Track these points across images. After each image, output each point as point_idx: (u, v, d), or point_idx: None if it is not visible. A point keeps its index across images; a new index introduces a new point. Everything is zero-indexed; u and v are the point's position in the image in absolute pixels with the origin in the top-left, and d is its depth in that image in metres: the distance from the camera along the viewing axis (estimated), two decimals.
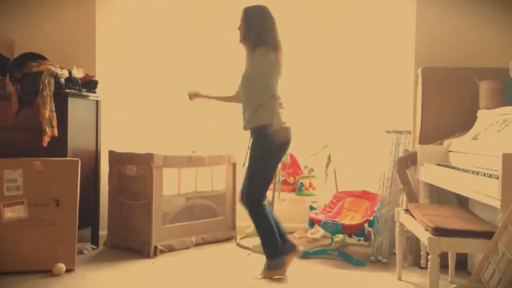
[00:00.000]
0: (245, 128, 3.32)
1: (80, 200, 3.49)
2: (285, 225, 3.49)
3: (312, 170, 4.49)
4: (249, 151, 3.37)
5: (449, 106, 3.80)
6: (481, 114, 3.53)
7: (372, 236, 3.83)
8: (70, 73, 3.79)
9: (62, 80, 3.69)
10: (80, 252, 3.82)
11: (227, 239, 4.39)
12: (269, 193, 4.28)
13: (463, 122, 3.66)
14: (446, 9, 4.00)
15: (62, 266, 3.34)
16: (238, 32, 3.30)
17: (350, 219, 3.96)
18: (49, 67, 3.66)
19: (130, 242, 3.96)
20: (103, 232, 4.12)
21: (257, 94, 3.19)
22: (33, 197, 3.40)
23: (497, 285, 2.32)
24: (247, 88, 3.27)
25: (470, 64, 3.84)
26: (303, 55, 4.70)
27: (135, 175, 3.95)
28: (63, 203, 3.43)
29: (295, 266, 3.33)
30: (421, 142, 3.79)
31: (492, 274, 2.35)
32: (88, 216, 3.93)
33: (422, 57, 3.97)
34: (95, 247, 4.04)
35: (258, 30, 3.20)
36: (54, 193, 3.42)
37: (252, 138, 3.34)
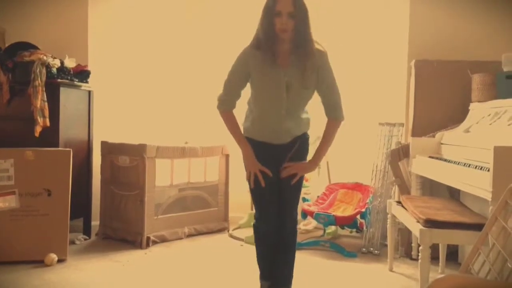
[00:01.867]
0: (291, 137, 2.67)
1: (72, 190, 3.48)
2: None
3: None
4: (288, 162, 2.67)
5: (442, 98, 3.82)
6: (473, 107, 3.55)
7: (364, 228, 3.86)
8: (62, 62, 3.77)
9: (54, 70, 3.67)
10: (72, 242, 3.81)
11: (220, 230, 4.40)
12: None
13: (456, 115, 3.68)
14: (440, 2, 4.00)
15: (54, 257, 3.33)
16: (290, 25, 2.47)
17: (342, 210, 3.98)
18: (41, 56, 3.64)
19: (123, 233, 3.96)
20: (95, 222, 4.12)
21: (307, 100, 2.69)
22: (24, 187, 3.38)
23: (487, 276, 2.34)
24: (305, 93, 2.62)
25: (463, 57, 3.84)
26: None
27: (127, 165, 3.94)
28: (55, 194, 3.41)
29: None
30: (413, 135, 3.80)
31: (481, 265, 2.37)
32: (80, 206, 3.92)
33: (415, 50, 3.98)
34: (87, 237, 4.03)
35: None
36: (46, 183, 3.41)
37: (292, 147, 2.69)
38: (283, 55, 2.55)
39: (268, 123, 2.64)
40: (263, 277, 2.76)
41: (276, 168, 2.67)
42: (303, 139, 2.75)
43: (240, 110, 2.74)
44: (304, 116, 2.72)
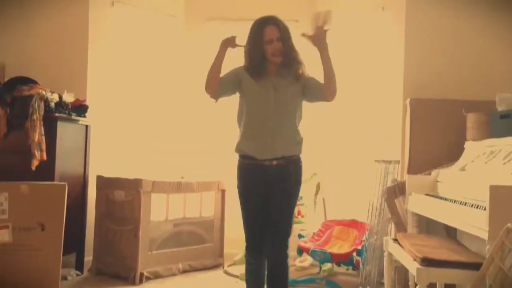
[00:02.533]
0: (280, 152, 2.71)
1: (66, 225, 3.43)
2: None
3: (301, 198, 4.47)
4: (274, 185, 2.73)
5: (437, 137, 3.84)
6: (468, 145, 3.57)
7: (361, 265, 3.81)
8: (60, 97, 3.79)
9: (52, 104, 3.69)
10: (64, 278, 3.75)
11: (215, 267, 4.34)
12: None
13: (451, 153, 3.69)
14: (434, 40, 4.07)
15: None
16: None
17: (338, 247, 3.95)
18: (40, 91, 3.67)
19: (116, 268, 3.90)
20: (88, 258, 4.06)
21: (296, 118, 2.77)
22: (18, 221, 3.34)
23: None
24: (289, 108, 2.74)
25: (457, 96, 3.89)
26: None
27: (123, 200, 3.92)
28: (49, 228, 3.37)
29: None
30: (409, 172, 3.80)
31: None
32: (74, 241, 3.87)
33: (410, 88, 4.03)
34: (79, 273, 3.97)
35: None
36: (40, 217, 3.37)
37: (279, 170, 2.71)
38: (272, 71, 2.77)
39: (256, 127, 2.71)
40: None
41: (263, 191, 2.70)
42: (295, 165, 2.75)
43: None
44: (295, 131, 2.75)
